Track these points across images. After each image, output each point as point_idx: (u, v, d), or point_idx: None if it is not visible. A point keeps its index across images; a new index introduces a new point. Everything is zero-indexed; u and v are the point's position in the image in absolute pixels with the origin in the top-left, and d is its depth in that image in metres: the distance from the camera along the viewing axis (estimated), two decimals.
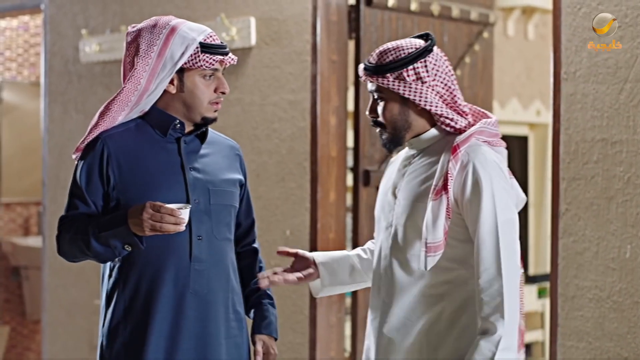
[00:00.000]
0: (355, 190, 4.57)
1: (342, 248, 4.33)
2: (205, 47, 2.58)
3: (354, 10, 4.45)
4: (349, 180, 4.67)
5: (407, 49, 2.47)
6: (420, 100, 2.45)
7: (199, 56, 2.57)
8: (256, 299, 2.79)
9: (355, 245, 4.54)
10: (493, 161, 2.42)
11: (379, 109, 2.53)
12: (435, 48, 2.49)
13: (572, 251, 3.40)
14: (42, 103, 5.53)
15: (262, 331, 2.75)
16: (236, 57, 2.68)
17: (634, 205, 3.26)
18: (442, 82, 2.47)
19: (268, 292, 2.82)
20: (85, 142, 2.63)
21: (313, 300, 4.20)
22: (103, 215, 2.59)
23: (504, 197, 2.39)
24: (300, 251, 2.77)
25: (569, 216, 3.42)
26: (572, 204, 3.41)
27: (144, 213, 2.43)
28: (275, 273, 2.69)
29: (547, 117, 6.75)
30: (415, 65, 2.45)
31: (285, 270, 2.72)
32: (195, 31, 2.60)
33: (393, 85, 2.46)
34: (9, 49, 7.45)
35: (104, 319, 2.65)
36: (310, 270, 2.73)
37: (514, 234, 2.41)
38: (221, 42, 2.63)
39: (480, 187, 2.37)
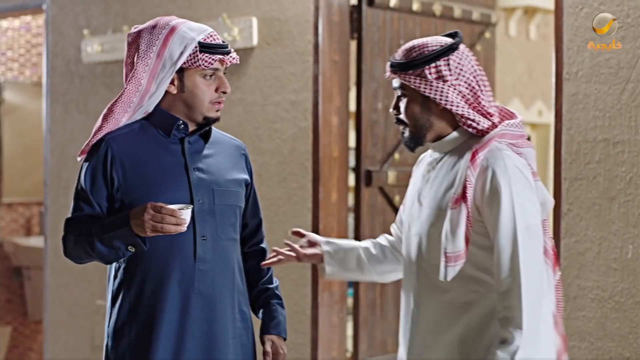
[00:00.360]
0: (357, 190, 4.57)
1: None
2: (204, 47, 2.57)
3: (356, 10, 4.45)
4: (351, 180, 4.67)
5: (432, 46, 2.43)
6: (440, 100, 2.41)
7: (197, 56, 2.56)
8: (265, 299, 2.79)
9: None
10: (513, 166, 2.35)
11: (402, 106, 2.49)
12: (461, 47, 2.44)
13: (574, 251, 3.40)
14: (43, 103, 5.54)
15: (271, 331, 2.74)
16: (238, 57, 2.67)
17: (635, 205, 3.26)
18: (465, 82, 2.41)
19: (277, 292, 2.82)
20: (90, 145, 2.64)
21: (315, 300, 4.20)
22: (108, 216, 2.59)
23: (525, 203, 2.33)
24: (311, 235, 2.78)
25: (571, 216, 3.42)
26: (574, 204, 3.41)
27: (145, 214, 2.43)
28: (279, 251, 2.75)
29: (549, 118, 6.74)
30: (438, 63, 2.41)
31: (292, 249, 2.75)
32: (195, 31, 2.59)
33: (414, 82, 2.42)
34: (11, 49, 7.45)
35: (109, 320, 2.65)
36: (316, 251, 2.75)
37: (535, 240, 2.35)
38: (222, 42, 2.62)
39: (499, 194, 2.31)
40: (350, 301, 4.72)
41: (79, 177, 2.64)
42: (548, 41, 6.79)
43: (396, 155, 4.67)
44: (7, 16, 6.30)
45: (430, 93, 2.41)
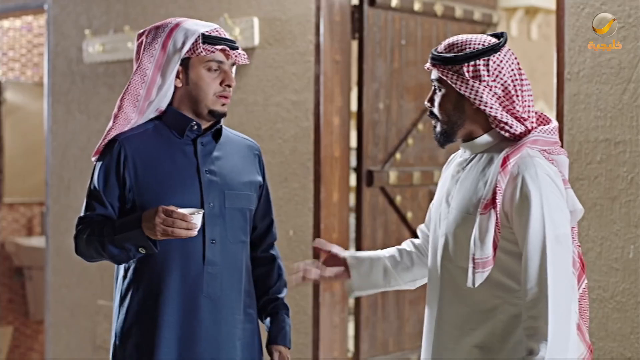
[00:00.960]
0: (359, 190, 4.57)
1: (345, 249, 4.32)
2: (207, 38, 2.60)
3: (357, 10, 4.45)
4: (352, 180, 4.67)
5: (474, 44, 2.39)
6: (475, 99, 2.37)
7: (199, 45, 2.59)
8: (273, 309, 2.80)
9: (358, 245, 4.55)
10: (544, 174, 2.31)
11: (436, 99, 2.46)
12: (504, 49, 2.41)
13: None
14: (45, 103, 5.54)
15: (278, 342, 2.76)
16: (246, 55, 2.70)
17: (637, 205, 3.26)
18: (502, 85, 2.38)
19: (285, 302, 2.83)
20: (103, 144, 2.65)
21: (316, 300, 4.20)
22: (119, 216, 2.61)
23: (555, 212, 2.29)
24: (334, 249, 2.77)
25: None
26: None
27: (156, 217, 2.44)
28: (307, 269, 2.72)
29: (551, 117, 6.74)
30: (477, 62, 2.37)
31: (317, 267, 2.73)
32: (200, 25, 2.63)
33: (451, 78, 2.39)
34: (12, 49, 7.46)
35: (117, 320, 2.67)
36: (341, 269, 2.74)
37: (565, 250, 2.31)
38: (229, 37, 2.65)
39: (529, 202, 2.28)
40: (351, 301, 4.71)
41: (92, 176, 2.65)
42: (549, 41, 6.78)
43: (397, 155, 4.67)
44: (8, 16, 6.30)
45: (465, 91, 2.38)
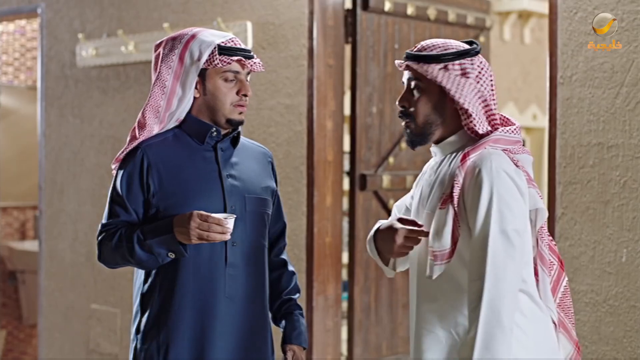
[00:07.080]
0: (352, 194, 4.57)
1: (339, 252, 4.33)
2: (223, 49, 2.64)
3: (351, 14, 4.46)
4: (346, 184, 4.67)
5: (456, 45, 2.45)
6: (459, 97, 2.40)
7: (216, 56, 2.63)
8: (287, 309, 2.85)
9: (351, 249, 4.55)
10: (500, 169, 2.33)
11: (414, 99, 2.47)
12: (481, 56, 2.47)
13: (568, 255, 3.41)
14: (38, 107, 5.53)
15: (292, 341, 2.81)
16: (261, 63, 2.74)
17: (630, 209, 3.26)
18: (481, 85, 2.43)
19: (298, 303, 2.88)
20: (125, 152, 2.69)
21: (309, 304, 4.20)
22: (143, 222, 2.65)
23: (506, 207, 2.30)
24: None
25: (565, 220, 3.42)
26: (568, 208, 3.42)
27: (191, 222, 2.49)
28: None
29: (544, 122, 6.75)
30: (463, 60, 2.42)
31: None
32: (216, 35, 2.68)
33: (437, 75, 2.41)
34: (6, 53, 7.44)
35: (139, 322, 2.71)
36: None
37: (510, 246, 2.29)
38: (244, 47, 2.69)
39: (480, 195, 2.30)
40: (344, 305, 4.72)
41: (114, 183, 2.69)
42: (542, 45, 6.79)
43: (390, 159, 4.68)
44: (1, 20, 6.29)
45: (451, 87, 2.41)
